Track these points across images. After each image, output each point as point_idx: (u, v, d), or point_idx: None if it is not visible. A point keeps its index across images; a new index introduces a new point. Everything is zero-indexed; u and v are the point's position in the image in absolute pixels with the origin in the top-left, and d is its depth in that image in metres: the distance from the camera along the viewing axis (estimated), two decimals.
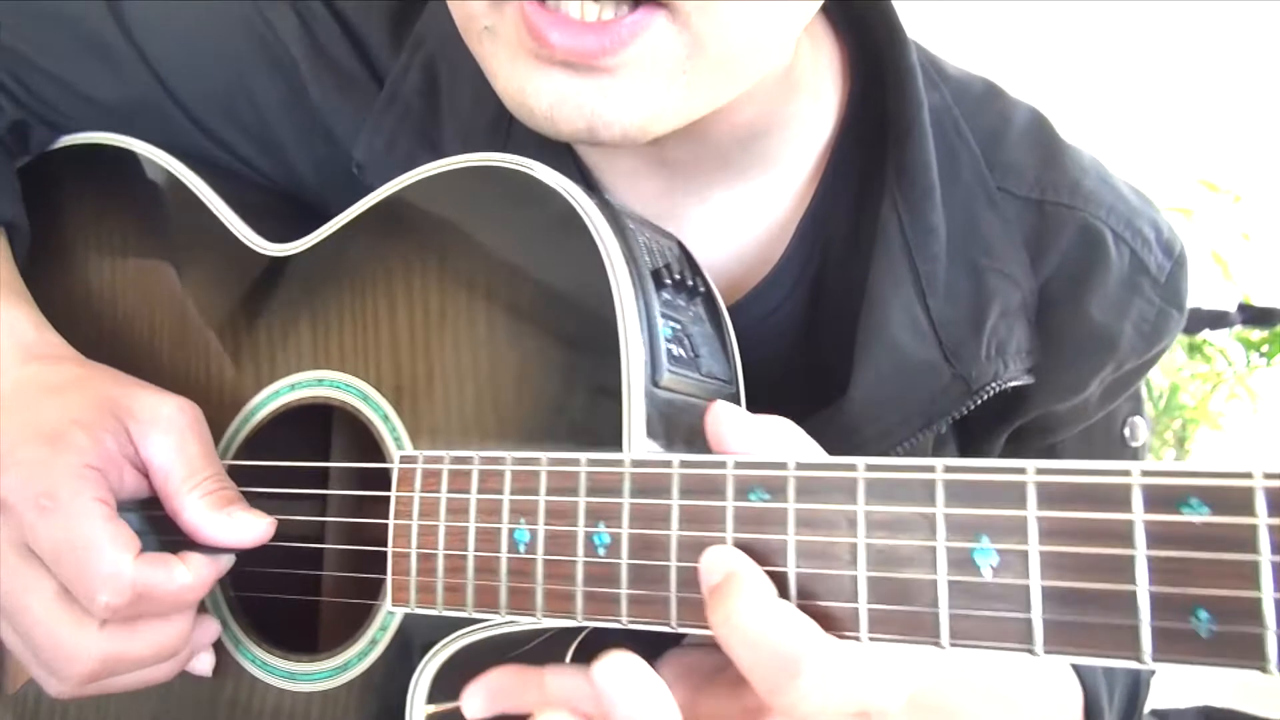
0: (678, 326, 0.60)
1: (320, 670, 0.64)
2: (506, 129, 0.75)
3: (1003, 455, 0.76)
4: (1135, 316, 0.72)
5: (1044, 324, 0.72)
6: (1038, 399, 0.73)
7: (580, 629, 0.61)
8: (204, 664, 0.67)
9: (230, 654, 0.68)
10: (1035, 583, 0.41)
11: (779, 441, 0.52)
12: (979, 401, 0.69)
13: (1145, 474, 0.39)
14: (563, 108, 0.58)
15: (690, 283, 0.63)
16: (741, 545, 0.48)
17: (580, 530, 0.52)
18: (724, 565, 0.47)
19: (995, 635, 0.42)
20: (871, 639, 0.45)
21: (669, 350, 0.58)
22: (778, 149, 0.74)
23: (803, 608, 0.46)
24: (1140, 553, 0.39)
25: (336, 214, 0.79)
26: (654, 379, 0.56)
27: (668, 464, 0.50)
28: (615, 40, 0.55)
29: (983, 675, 0.68)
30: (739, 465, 0.48)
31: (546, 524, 0.54)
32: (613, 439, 0.55)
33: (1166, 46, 3.11)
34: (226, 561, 0.64)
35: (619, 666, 0.47)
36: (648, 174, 0.75)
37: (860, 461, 0.45)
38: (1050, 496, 0.41)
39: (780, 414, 0.61)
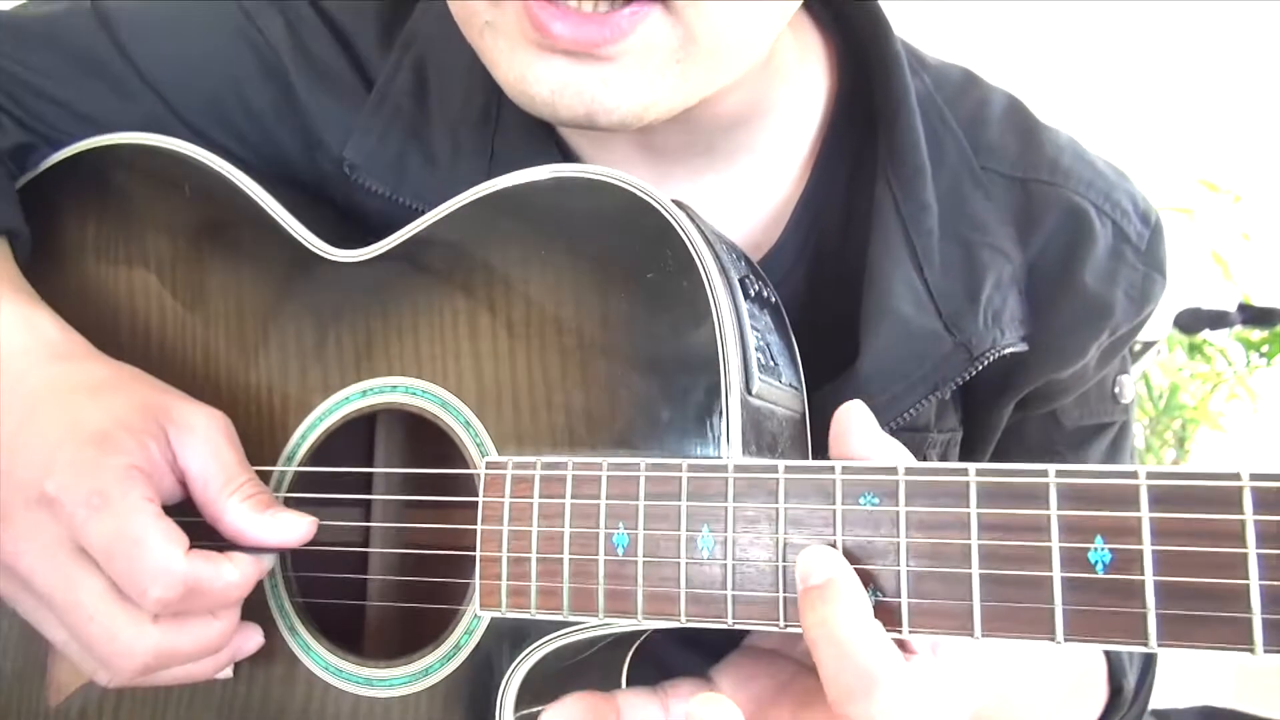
0: (758, 335, 0.61)
1: (399, 675, 0.64)
2: (495, 121, 0.78)
3: (1009, 424, 0.80)
4: (1124, 284, 0.76)
5: (1037, 297, 0.75)
6: (1041, 368, 0.76)
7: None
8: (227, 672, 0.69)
9: (300, 660, 0.68)
10: (1150, 579, 0.43)
11: (895, 457, 0.55)
12: (980, 368, 0.72)
13: (1254, 477, 0.42)
14: (563, 94, 0.61)
15: (764, 294, 0.65)
16: (852, 546, 0.50)
17: (683, 534, 0.54)
18: (826, 569, 0.49)
19: (1110, 630, 0.44)
20: (986, 635, 0.47)
21: (758, 359, 0.59)
22: (763, 135, 0.78)
23: (916, 605, 0.48)
24: (1252, 550, 0.41)
25: (337, 215, 0.80)
26: (747, 387, 0.58)
27: (772, 469, 0.52)
28: (616, 30, 0.59)
29: (1014, 672, 0.71)
30: (847, 470, 0.50)
31: (646, 528, 0.55)
32: (705, 445, 0.57)
33: (1166, 46, 3.13)
34: (268, 562, 0.66)
35: (715, 705, 0.49)
36: (637, 160, 0.78)
37: (971, 467, 0.47)
38: (1162, 499, 0.44)
39: None
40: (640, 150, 0.77)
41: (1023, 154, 0.78)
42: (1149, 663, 0.87)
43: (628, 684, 0.66)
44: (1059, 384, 0.79)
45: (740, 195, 0.79)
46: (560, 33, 0.59)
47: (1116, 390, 0.85)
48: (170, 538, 0.60)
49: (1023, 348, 0.73)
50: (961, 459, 0.80)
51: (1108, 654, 0.83)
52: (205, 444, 0.65)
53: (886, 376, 0.72)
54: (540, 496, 0.59)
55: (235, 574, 0.62)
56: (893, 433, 0.69)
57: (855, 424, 0.55)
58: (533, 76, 0.61)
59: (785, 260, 0.79)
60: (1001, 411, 0.79)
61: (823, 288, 0.79)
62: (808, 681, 0.56)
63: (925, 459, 0.77)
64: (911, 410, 0.72)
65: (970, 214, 0.76)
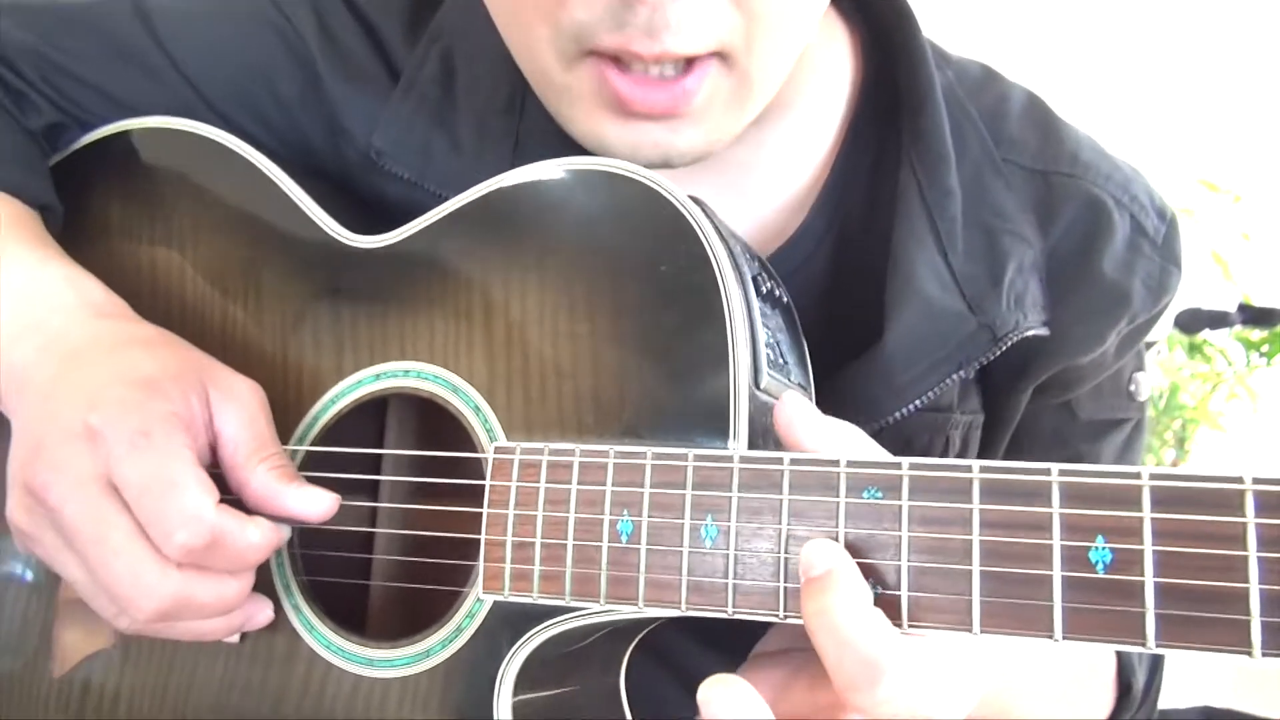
0: (769, 333, 0.62)
1: (400, 657, 0.65)
2: (520, 111, 0.80)
3: (1024, 414, 0.82)
4: (1142, 274, 0.78)
5: (1057, 284, 0.77)
6: (1060, 353, 0.78)
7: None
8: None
9: (302, 639, 0.69)
10: (1150, 580, 0.44)
11: (844, 443, 0.56)
12: (1004, 348, 0.74)
13: (1257, 481, 0.42)
14: (640, 147, 0.66)
15: (776, 293, 0.66)
16: (854, 540, 0.51)
17: (686, 523, 0.55)
18: (826, 560, 0.50)
19: (1109, 629, 0.45)
20: (985, 631, 0.47)
21: (767, 355, 0.60)
22: (788, 124, 0.79)
23: (916, 599, 0.49)
24: (1253, 554, 0.42)
25: (359, 204, 0.81)
26: (756, 381, 0.59)
27: (778, 460, 0.53)
28: (686, 95, 0.64)
29: (1023, 669, 0.72)
30: (852, 464, 0.51)
31: (651, 516, 0.56)
32: (712, 436, 0.58)
33: (1167, 46, 3.13)
34: (286, 533, 0.67)
35: (724, 688, 0.50)
36: None
37: (974, 464, 0.48)
38: (1164, 500, 0.44)
39: (811, 367, 0.68)
40: None
41: (1043, 147, 0.80)
42: (1157, 662, 0.88)
43: (633, 682, 0.67)
44: (1077, 371, 0.80)
45: (765, 182, 0.81)
46: (639, 100, 0.63)
47: (1132, 387, 0.87)
48: (204, 487, 0.62)
49: (1044, 331, 0.75)
50: (983, 444, 0.82)
51: (1118, 652, 0.84)
52: (243, 410, 0.67)
53: (911, 355, 0.73)
54: (547, 482, 0.59)
55: (258, 535, 0.63)
56: (916, 412, 0.72)
57: (795, 413, 0.56)
58: (612, 136, 0.66)
59: (809, 244, 0.80)
60: (1020, 397, 0.80)
61: (846, 273, 0.80)
62: (820, 668, 0.57)
63: (948, 440, 0.79)
64: (935, 389, 0.74)
65: (992, 202, 0.77)
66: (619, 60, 0.63)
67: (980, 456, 0.82)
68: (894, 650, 0.48)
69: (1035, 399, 0.81)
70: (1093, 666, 0.84)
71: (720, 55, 0.64)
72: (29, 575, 0.78)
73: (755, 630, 0.62)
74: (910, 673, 0.48)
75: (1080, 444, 0.86)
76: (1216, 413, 3.15)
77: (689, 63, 0.63)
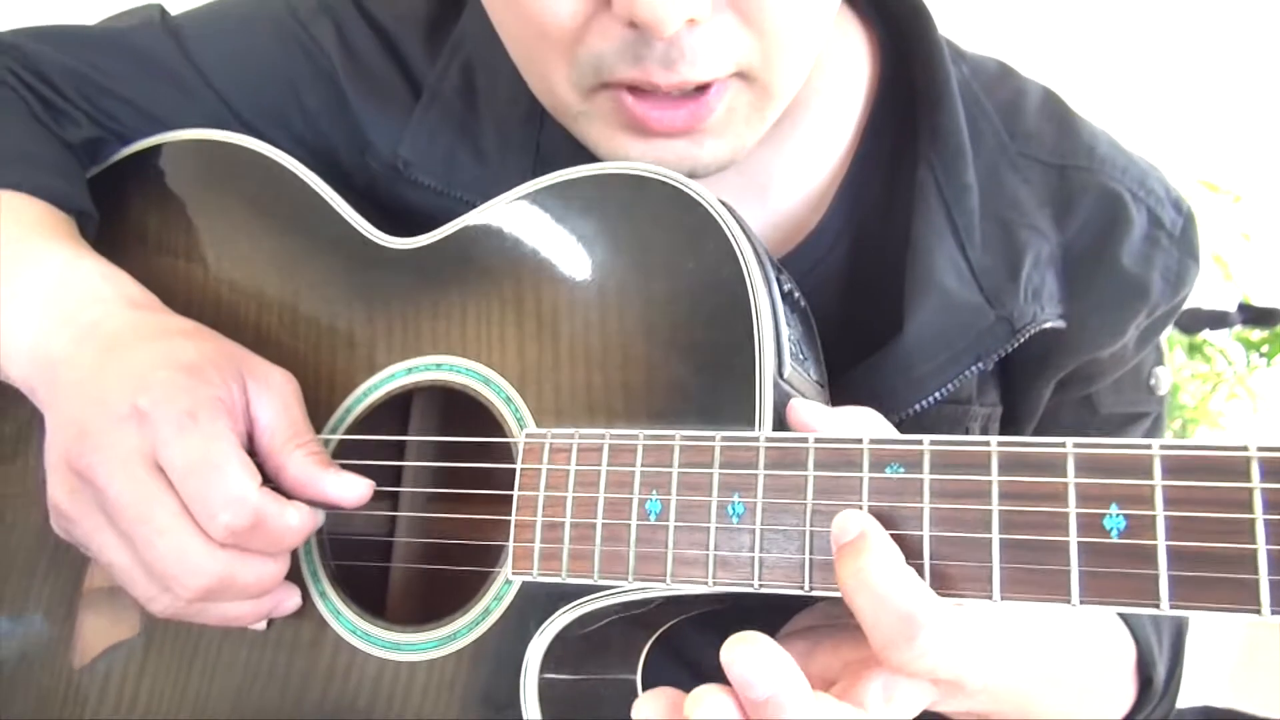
0: (789, 329, 0.64)
1: (426, 640, 0.66)
2: (540, 122, 0.82)
3: (1047, 405, 0.83)
4: (1160, 266, 0.79)
5: (1074, 276, 0.78)
6: (1080, 347, 0.79)
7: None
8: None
9: (329, 624, 0.70)
10: (1162, 544, 0.46)
11: (861, 426, 0.58)
12: (1021, 340, 0.75)
13: (1261, 449, 0.44)
14: (664, 162, 0.67)
15: (795, 295, 0.68)
16: (877, 512, 0.53)
17: (714, 500, 0.57)
18: (857, 525, 0.52)
19: (1124, 592, 0.47)
20: (1005, 598, 0.49)
21: (789, 347, 0.62)
22: (809, 120, 0.81)
23: (938, 568, 0.51)
24: (1259, 517, 0.44)
25: (384, 215, 0.83)
26: (779, 370, 0.61)
27: (803, 440, 0.55)
28: (705, 110, 0.65)
29: (1044, 663, 0.73)
30: (875, 441, 0.53)
31: (679, 495, 0.58)
32: (737, 423, 0.59)
33: (1166, 47, 3.13)
34: (320, 518, 0.69)
35: (747, 646, 0.49)
36: None
37: (992, 439, 0.50)
38: (1175, 469, 0.47)
39: (830, 360, 0.70)
40: None
41: (1059, 141, 0.81)
42: (1177, 654, 0.89)
43: (652, 680, 0.68)
44: (1099, 364, 0.81)
45: (783, 179, 0.82)
46: (657, 122, 0.65)
47: (1153, 381, 0.88)
48: (248, 469, 0.64)
49: (1061, 324, 0.76)
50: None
51: (1138, 643, 0.85)
52: (278, 398, 0.69)
53: (931, 346, 0.75)
54: (577, 465, 0.61)
55: (296, 518, 0.65)
56: (935, 404, 0.74)
57: (806, 412, 0.59)
58: (635, 154, 0.68)
59: (827, 240, 0.82)
60: (1042, 391, 0.81)
61: (864, 268, 0.82)
62: (845, 633, 0.58)
63: (967, 432, 0.80)
64: (954, 382, 0.75)
65: (1008, 196, 0.79)
66: (635, 87, 0.65)
67: None
68: (929, 604, 0.49)
69: (1057, 393, 0.82)
70: (1112, 659, 0.84)
71: (738, 75, 0.65)
72: (49, 569, 0.79)
73: (776, 625, 0.64)
74: (945, 626, 0.49)
75: (1100, 437, 0.86)
76: (1216, 413, 3.15)
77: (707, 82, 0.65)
